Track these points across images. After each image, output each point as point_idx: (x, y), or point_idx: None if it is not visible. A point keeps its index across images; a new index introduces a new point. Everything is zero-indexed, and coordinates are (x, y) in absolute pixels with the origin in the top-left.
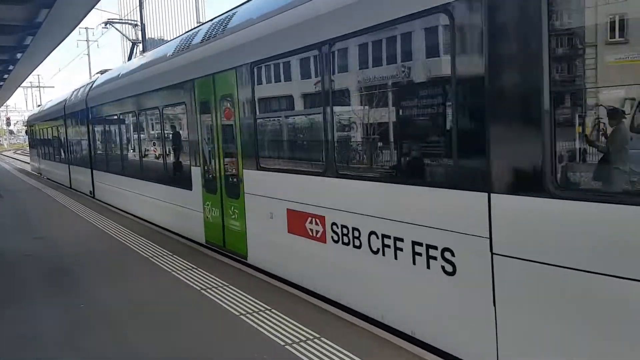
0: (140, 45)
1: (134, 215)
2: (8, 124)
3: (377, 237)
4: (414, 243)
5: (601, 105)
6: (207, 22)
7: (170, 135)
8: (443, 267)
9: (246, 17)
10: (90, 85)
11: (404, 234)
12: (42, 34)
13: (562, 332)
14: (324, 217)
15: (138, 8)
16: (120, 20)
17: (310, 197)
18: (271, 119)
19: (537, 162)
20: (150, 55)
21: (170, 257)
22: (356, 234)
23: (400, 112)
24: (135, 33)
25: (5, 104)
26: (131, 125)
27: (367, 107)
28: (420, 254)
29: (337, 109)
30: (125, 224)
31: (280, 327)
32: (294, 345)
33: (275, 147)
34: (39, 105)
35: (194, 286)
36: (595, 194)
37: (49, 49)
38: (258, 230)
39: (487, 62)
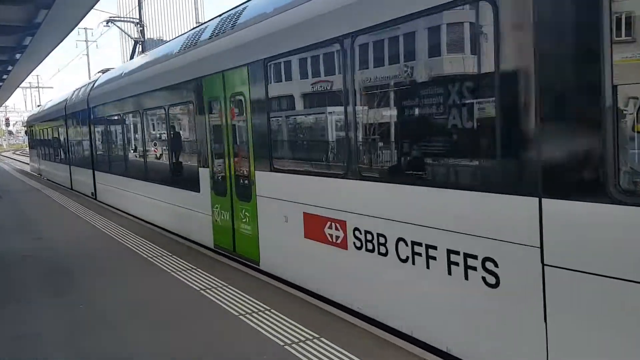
0: (153, 38)
1: (138, 218)
2: (7, 124)
3: (406, 244)
4: (449, 252)
5: None
6: (215, 17)
7: (177, 135)
8: (484, 279)
9: (259, 11)
10: (92, 84)
11: (437, 242)
12: (41, 34)
13: (623, 352)
14: (345, 221)
15: (137, 9)
16: (122, 19)
17: (330, 201)
18: (286, 118)
19: (597, 163)
20: (155, 53)
21: (170, 257)
22: (382, 240)
23: (434, 109)
24: (138, 31)
25: (4, 105)
26: (135, 125)
27: (394, 104)
28: (456, 264)
29: (360, 106)
30: (125, 225)
31: (280, 327)
32: (294, 345)
33: (290, 147)
34: (38, 106)
35: (194, 286)
36: None
37: (48, 49)
38: (271, 234)
39: (537, 54)
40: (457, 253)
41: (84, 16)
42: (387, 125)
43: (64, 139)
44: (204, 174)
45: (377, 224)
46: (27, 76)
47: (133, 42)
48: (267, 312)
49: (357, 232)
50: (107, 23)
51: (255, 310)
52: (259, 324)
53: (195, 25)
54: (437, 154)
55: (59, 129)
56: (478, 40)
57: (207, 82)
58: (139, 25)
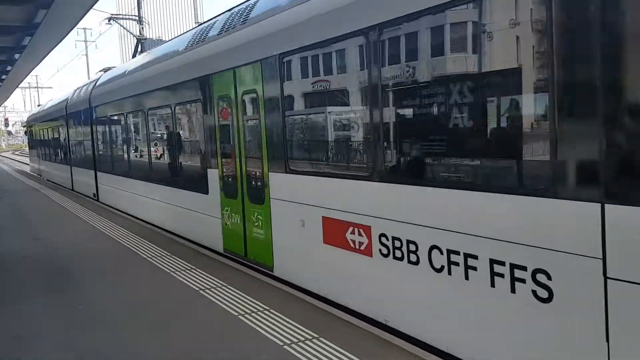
0: (153, 38)
1: (142, 220)
2: (6, 124)
3: (441, 253)
4: (492, 262)
5: None
6: (225, 12)
7: (184, 135)
8: (534, 292)
9: (273, 4)
10: (94, 83)
11: (478, 251)
12: (40, 34)
13: None
14: (370, 227)
15: (136, 9)
16: (124, 16)
17: (353, 204)
18: (304, 116)
19: None
20: (160, 50)
21: (169, 257)
22: (412, 247)
23: (476, 107)
24: (140, 29)
25: (3, 105)
26: (140, 124)
27: (429, 101)
28: (501, 275)
29: (389, 104)
30: (125, 225)
31: (279, 327)
32: (293, 345)
33: (308, 148)
34: (38, 105)
35: (193, 286)
36: None
37: (47, 49)
38: (286, 239)
39: (599, 49)
40: (502, 263)
41: (83, 16)
42: (418, 123)
43: (65, 139)
44: (213, 175)
45: (407, 230)
46: (26, 76)
47: (136, 40)
48: (266, 312)
49: (383, 239)
50: (109, 21)
51: (255, 310)
52: (258, 323)
53: (194, 25)
54: (479, 154)
55: (60, 128)
56: (531, 30)
57: (216, 80)
58: (141, 23)
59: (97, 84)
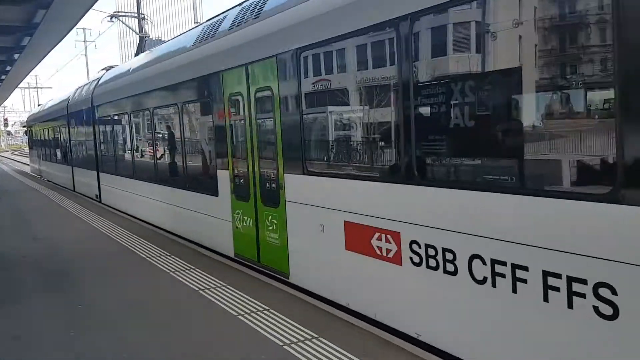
0: (152, 37)
1: (148, 223)
2: (6, 124)
3: (484, 263)
4: (545, 274)
5: None
6: (236, 6)
7: (192, 135)
8: (596, 308)
9: None
10: (96, 82)
11: (529, 262)
12: (40, 34)
13: None
14: (399, 233)
15: (135, 9)
16: (127, 14)
17: (379, 208)
18: (324, 115)
19: None
20: (167, 47)
21: (169, 258)
22: (449, 256)
23: (529, 102)
24: (143, 27)
25: (2, 105)
26: (145, 123)
27: (473, 96)
28: (556, 289)
29: (426, 99)
30: (125, 226)
31: (279, 327)
32: (292, 345)
33: (328, 148)
34: (39, 105)
35: (192, 286)
36: None
37: (47, 49)
38: (304, 245)
39: None
40: (558, 276)
41: (83, 16)
42: (461, 119)
43: (66, 139)
44: (223, 177)
45: (443, 237)
46: (25, 76)
47: (139, 38)
48: (265, 311)
49: (414, 246)
50: (111, 18)
51: (254, 310)
52: (257, 323)
53: (194, 25)
54: (531, 154)
55: (61, 128)
56: (590, 26)
57: (227, 77)
58: (144, 21)
59: (100, 82)
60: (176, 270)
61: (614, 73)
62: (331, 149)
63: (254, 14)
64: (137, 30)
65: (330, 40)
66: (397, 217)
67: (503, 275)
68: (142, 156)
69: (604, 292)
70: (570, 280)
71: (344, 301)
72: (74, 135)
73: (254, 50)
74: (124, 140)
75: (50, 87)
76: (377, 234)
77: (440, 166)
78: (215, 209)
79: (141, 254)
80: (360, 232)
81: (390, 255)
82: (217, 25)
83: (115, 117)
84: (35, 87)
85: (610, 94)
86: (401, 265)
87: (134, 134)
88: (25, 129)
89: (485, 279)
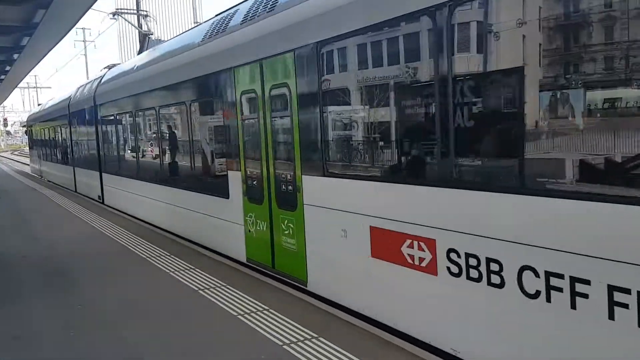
0: (152, 36)
1: (154, 225)
2: (5, 124)
3: (537, 276)
4: (611, 288)
5: None
6: (246, 0)
7: (201, 134)
8: None
9: None
10: (99, 80)
11: (592, 275)
12: (39, 34)
13: None
14: (435, 240)
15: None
16: (129, 11)
17: (412, 213)
18: (347, 113)
19: None
20: (174, 43)
21: (169, 257)
22: (494, 267)
23: (577, 96)
24: (147, 25)
25: (2, 105)
26: (151, 123)
27: (525, 91)
28: (624, 306)
29: (465, 95)
30: (124, 226)
31: (279, 327)
32: (292, 345)
33: (352, 148)
34: (39, 105)
35: (192, 286)
36: None
37: (46, 49)
38: (324, 251)
39: None
40: (627, 291)
41: (82, 16)
42: (505, 115)
43: (68, 138)
44: (235, 178)
45: (487, 245)
46: (25, 76)
47: (141, 36)
48: (265, 311)
49: (452, 255)
50: (113, 16)
51: (254, 310)
52: (257, 323)
53: (193, 25)
54: (588, 151)
55: (62, 128)
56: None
57: (239, 73)
58: (147, 18)
59: (102, 81)
60: (176, 270)
61: None
62: (356, 149)
63: (269, 5)
64: (140, 28)
65: (356, 32)
66: (432, 223)
67: (560, 289)
68: (147, 157)
69: None
70: None
71: (370, 313)
72: (75, 135)
73: (270, 44)
74: (128, 140)
75: (50, 87)
76: (408, 241)
77: (482, 169)
78: (226, 211)
79: (141, 254)
80: (389, 238)
81: (424, 264)
82: (227, 19)
83: (119, 117)
84: (34, 87)
85: None
86: (436, 275)
87: (140, 134)
88: (25, 128)
89: (538, 292)
